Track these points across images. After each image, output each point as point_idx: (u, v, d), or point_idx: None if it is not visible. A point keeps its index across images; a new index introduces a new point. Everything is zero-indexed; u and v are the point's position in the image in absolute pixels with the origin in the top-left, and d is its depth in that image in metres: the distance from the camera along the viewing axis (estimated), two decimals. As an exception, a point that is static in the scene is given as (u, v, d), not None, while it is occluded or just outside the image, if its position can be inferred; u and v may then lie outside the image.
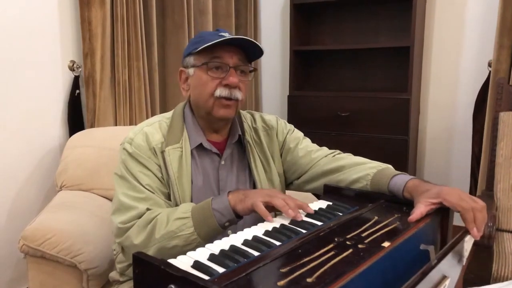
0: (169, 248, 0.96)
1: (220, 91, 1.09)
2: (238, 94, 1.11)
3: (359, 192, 1.05)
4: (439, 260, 0.71)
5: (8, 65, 1.80)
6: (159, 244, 0.97)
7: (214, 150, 1.17)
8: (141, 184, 1.07)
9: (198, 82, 1.12)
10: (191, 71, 1.14)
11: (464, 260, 0.92)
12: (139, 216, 1.03)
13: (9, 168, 1.85)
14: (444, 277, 0.77)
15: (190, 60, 1.13)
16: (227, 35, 1.09)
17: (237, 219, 0.97)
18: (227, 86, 1.09)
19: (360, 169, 1.11)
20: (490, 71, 2.46)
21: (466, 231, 0.88)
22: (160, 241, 0.97)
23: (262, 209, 0.90)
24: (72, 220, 1.45)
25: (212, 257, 0.69)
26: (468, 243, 0.89)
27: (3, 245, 1.85)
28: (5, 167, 1.83)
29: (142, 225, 1.01)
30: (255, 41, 1.10)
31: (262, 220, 0.90)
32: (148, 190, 1.07)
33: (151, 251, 0.98)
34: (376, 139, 2.63)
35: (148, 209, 1.04)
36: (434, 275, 0.72)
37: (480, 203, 0.90)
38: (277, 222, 0.87)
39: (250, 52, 1.13)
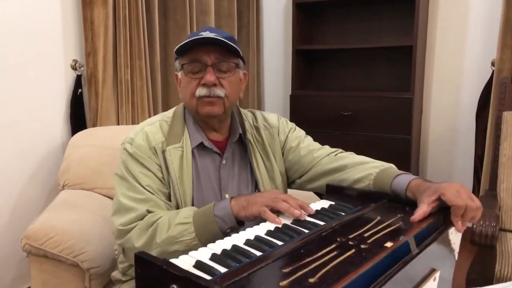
0: (170, 253, 0.95)
1: (199, 91, 1.09)
2: (219, 91, 1.09)
3: (361, 192, 1.05)
4: (420, 250, 0.71)
5: (10, 64, 1.80)
6: (160, 249, 0.97)
7: (215, 149, 1.16)
8: (141, 185, 1.07)
9: (182, 84, 1.15)
10: (179, 74, 1.16)
11: (456, 253, 0.91)
12: (139, 218, 1.03)
13: (11, 167, 1.85)
14: (433, 270, 0.77)
15: (176, 63, 1.16)
16: (206, 34, 1.08)
17: (239, 226, 0.97)
18: (205, 85, 1.09)
19: (363, 169, 1.11)
20: (493, 71, 2.45)
21: (450, 224, 0.87)
22: (161, 246, 0.97)
23: (270, 216, 0.89)
24: (75, 219, 1.45)
25: (214, 257, 0.69)
26: (455, 236, 0.88)
27: (6, 244, 1.85)
28: (7, 166, 1.84)
29: (143, 228, 1.01)
30: (223, 39, 1.06)
31: (264, 219, 0.90)
32: (148, 191, 1.07)
33: (152, 254, 0.97)
34: (379, 138, 2.62)
35: (148, 211, 1.04)
36: (418, 267, 0.72)
37: (476, 203, 0.87)
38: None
39: (232, 47, 1.10)
